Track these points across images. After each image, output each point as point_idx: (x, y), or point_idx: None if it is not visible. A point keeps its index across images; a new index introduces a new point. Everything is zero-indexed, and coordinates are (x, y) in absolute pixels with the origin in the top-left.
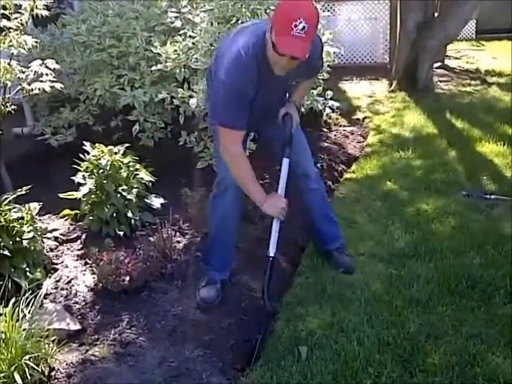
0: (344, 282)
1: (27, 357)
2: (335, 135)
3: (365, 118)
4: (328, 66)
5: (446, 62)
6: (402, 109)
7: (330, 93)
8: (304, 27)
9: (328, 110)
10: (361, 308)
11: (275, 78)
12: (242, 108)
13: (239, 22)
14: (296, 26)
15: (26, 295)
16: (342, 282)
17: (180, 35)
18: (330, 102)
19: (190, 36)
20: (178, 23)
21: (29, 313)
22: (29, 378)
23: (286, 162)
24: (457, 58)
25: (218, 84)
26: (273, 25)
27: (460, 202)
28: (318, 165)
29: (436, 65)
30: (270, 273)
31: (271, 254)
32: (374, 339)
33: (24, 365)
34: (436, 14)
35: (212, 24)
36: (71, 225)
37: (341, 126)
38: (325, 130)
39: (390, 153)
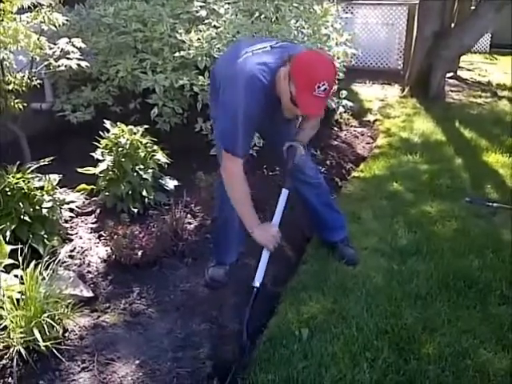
0: (347, 272)
1: (46, 315)
2: (345, 135)
3: (375, 120)
4: (344, 66)
5: (459, 72)
6: (412, 114)
7: (344, 92)
8: (325, 88)
9: (341, 109)
10: (361, 298)
11: (279, 113)
12: (245, 135)
13: (262, 16)
14: (319, 87)
15: (44, 260)
16: (344, 273)
17: (204, 24)
18: (344, 102)
19: (214, 26)
20: (203, 12)
21: (47, 275)
22: (47, 334)
23: (285, 193)
24: (469, 70)
25: (226, 105)
26: (294, 77)
27: (463, 208)
28: (327, 162)
29: (448, 75)
30: (252, 304)
31: (256, 284)
32: (372, 327)
33: (43, 322)
34: (453, 25)
35: (236, 15)
36: (86, 199)
37: (351, 126)
38: (335, 128)
39: (398, 156)
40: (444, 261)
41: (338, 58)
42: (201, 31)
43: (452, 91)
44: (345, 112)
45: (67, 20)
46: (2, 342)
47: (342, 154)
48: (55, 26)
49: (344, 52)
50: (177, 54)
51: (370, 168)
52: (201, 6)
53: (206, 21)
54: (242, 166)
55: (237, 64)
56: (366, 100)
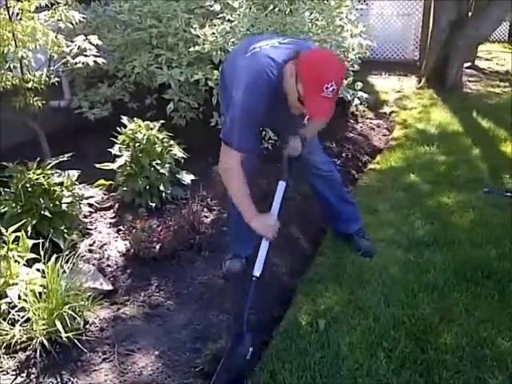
0: (363, 264)
1: (67, 307)
2: (361, 127)
3: (391, 112)
4: (359, 58)
5: (477, 62)
6: (429, 105)
7: (359, 84)
8: (333, 89)
9: (357, 101)
10: (378, 289)
11: (285, 109)
12: (249, 130)
13: (276, 9)
14: (327, 88)
15: (64, 254)
16: (361, 265)
17: (218, 19)
18: (359, 93)
19: (228, 20)
20: (217, 7)
21: (68, 269)
22: (69, 325)
23: (282, 184)
24: (487, 60)
25: (233, 101)
26: (302, 77)
27: (480, 198)
28: (343, 154)
29: (466, 65)
30: (252, 294)
31: (256, 274)
32: (389, 317)
33: (64, 314)
34: (470, 14)
35: (250, 9)
36: (105, 194)
37: (367, 118)
38: (351, 121)
39: (415, 147)
40: (461, 251)
41: (353, 50)
42: (215, 25)
43: (470, 81)
44: (360, 104)
45: (83, 17)
46: (26, 334)
47: (357, 146)
48: (72, 24)
49: (359, 43)
50: (192, 49)
51: (387, 160)
52: (215, 1)
53: (220, 15)
54: (239, 159)
55: (244, 59)
56: (382, 92)
